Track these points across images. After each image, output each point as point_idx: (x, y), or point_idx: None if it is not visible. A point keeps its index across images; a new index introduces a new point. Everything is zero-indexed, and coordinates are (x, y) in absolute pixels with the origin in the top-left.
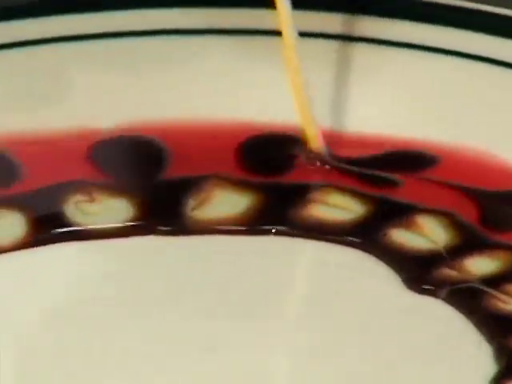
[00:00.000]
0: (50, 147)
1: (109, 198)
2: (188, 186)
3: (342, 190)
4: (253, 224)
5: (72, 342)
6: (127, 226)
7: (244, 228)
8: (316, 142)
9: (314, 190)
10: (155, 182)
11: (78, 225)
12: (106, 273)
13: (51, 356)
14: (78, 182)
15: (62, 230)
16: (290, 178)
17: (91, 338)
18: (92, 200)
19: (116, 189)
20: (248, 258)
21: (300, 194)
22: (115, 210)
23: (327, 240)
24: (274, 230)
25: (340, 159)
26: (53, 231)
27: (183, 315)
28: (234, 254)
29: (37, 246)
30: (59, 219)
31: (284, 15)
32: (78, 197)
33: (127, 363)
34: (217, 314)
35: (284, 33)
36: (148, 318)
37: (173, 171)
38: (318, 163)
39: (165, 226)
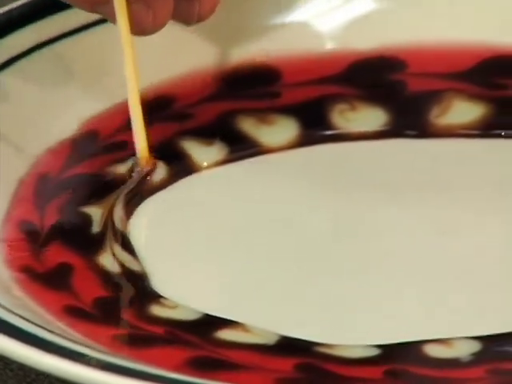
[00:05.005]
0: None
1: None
2: (431, 97)
3: None
4: (485, 129)
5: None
6: (381, 131)
7: (478, 132)
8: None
9: None
10: (404, 94)
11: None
12: (361, 165)
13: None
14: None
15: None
16: None
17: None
18: (353, 108)
19: (372, 99)
20: (480, 157)
21: None
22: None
23: None
24: (503, 134)
25: None
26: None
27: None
28: (469, 154)
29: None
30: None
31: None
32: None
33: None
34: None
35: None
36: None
37: (415, 86)
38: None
39: (412, 130)
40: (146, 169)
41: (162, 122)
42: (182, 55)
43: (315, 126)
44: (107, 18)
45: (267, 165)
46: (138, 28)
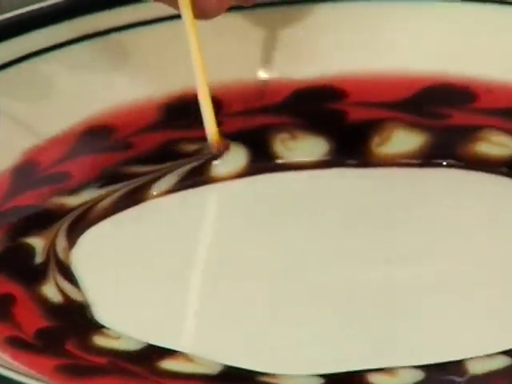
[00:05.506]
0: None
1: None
2: (372, 127)
3: (503, 130)
4: (426, 158)
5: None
6: (322, 160)
7: (419, 161)
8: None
9: (477, 130)
10: (344, 123)
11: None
12: (304, 195)
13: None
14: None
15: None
16: (458, 120)
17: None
18: (294, 137)
19: (313, 129)
20: (422, 186)
21: (466, 133)
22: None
23: (489, 172)
24: (444, 163)
25: None
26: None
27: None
28: (409, 183)
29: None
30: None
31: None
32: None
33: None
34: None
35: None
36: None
37: (356, 115)
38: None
39: (353, 159)
40: (217, 150)
41: (103, 152)
42: (123, 85)
43: (261, 156)
44: (170, 5)
45: (212, 195)
46: (201, 12)
